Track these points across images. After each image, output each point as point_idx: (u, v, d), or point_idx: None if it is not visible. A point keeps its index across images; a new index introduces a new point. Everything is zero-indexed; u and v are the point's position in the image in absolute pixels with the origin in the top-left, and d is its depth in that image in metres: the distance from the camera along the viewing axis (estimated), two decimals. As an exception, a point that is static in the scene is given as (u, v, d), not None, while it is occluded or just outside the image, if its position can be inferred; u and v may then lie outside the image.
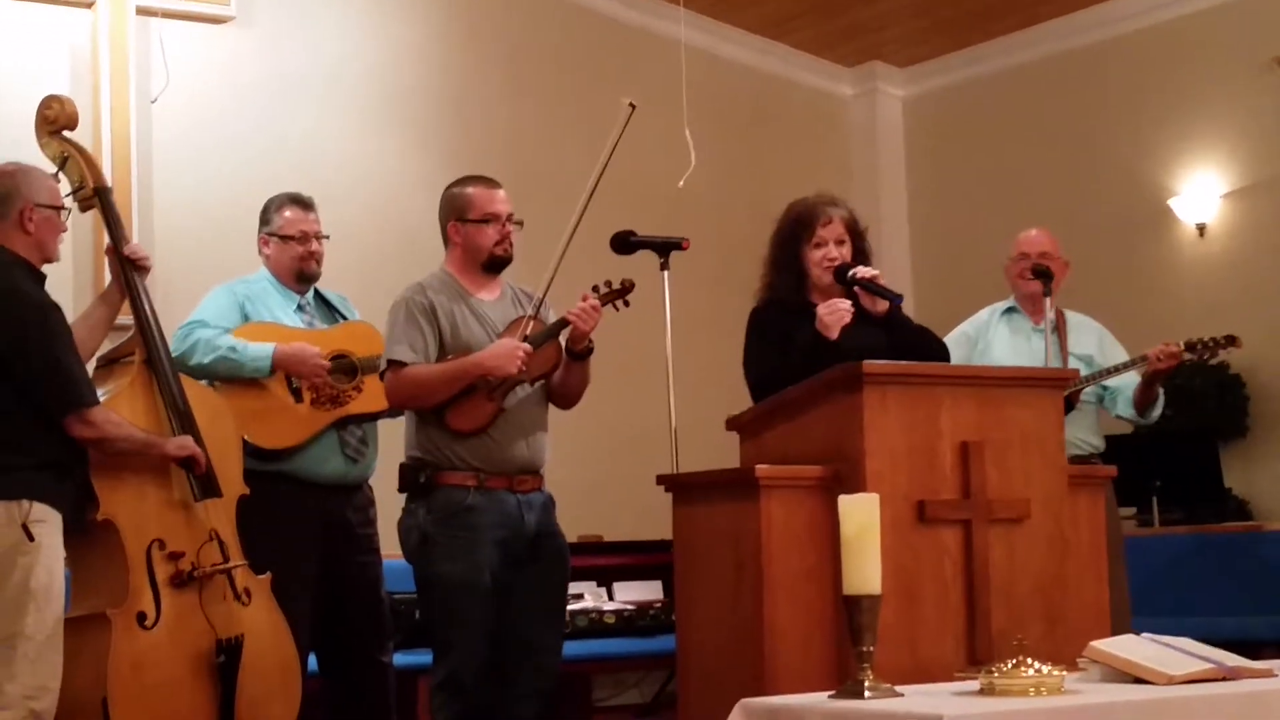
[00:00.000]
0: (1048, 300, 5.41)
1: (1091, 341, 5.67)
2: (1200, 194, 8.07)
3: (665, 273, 4.77)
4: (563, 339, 4.63)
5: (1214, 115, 8.04)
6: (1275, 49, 7.76)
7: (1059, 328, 5.64)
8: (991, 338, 5.61)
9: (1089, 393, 5.58)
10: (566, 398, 4.74)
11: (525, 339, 4.52)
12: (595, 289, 4.64)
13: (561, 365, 4.65)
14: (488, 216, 4.65)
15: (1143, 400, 5.54)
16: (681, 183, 5.60)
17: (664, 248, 4.79)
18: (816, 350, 4.27)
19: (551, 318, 4.68)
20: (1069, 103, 8.62)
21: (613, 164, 4.63)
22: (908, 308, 4.74)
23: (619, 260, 4.81)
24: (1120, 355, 5.63)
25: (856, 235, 4.57)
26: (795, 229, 4.57)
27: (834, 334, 4.34)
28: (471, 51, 7.97)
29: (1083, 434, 5.52)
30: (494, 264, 4.69)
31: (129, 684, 4.25)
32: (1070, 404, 5.42)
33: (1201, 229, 8.06)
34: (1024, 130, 8.82)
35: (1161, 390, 5.59)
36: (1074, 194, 8.38)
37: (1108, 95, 8.45)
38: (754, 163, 8.78)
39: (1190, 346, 5.41)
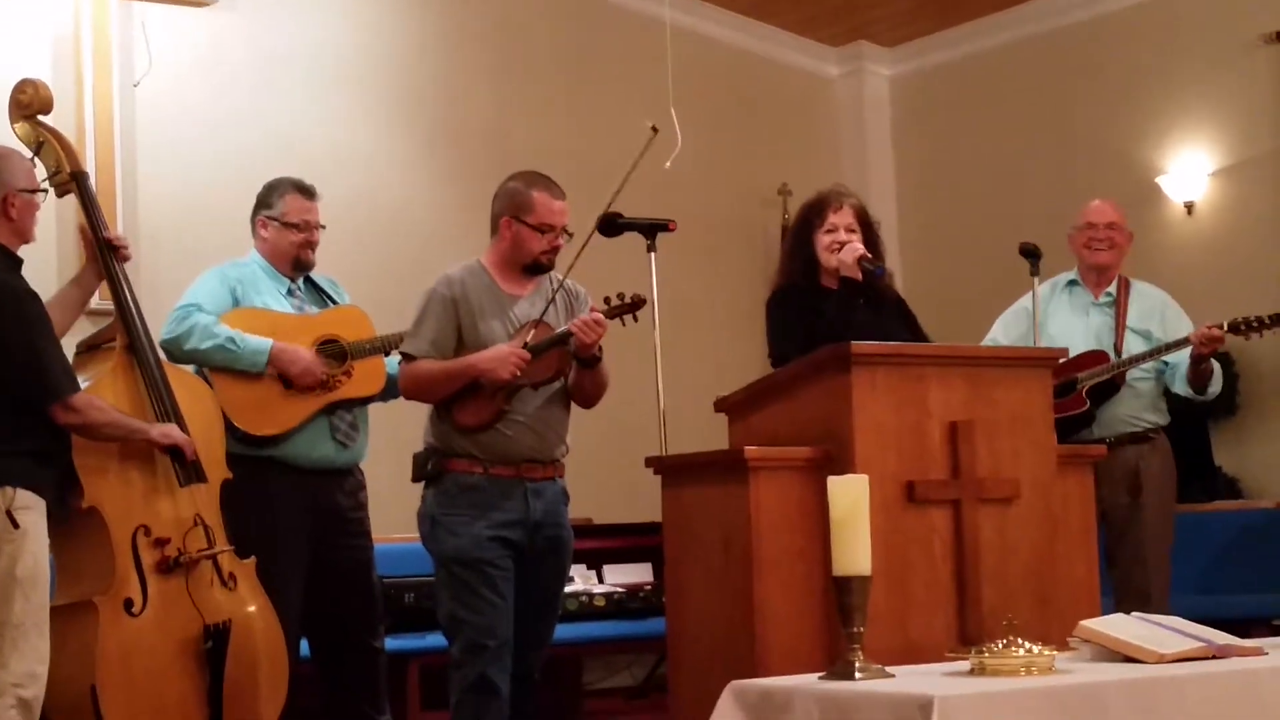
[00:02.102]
0: (1035, 280, 5.38)
1: (1154, 314, 5.62)
2: (1189, 172, 8.05)
3: (652, 254, 4.75)
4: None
5: (1202, 93, 8.02)
6: (1263, 26, 7.74)
7: (1120, 299, 5.62)
8: (1051, 310, 5.56)
9: (1150, 368, 5.53)
10: (583, 400, 4.73)
11: (525, 346, 4.50)
12: (606, 300, 4.64)
13: (572, 370, 4.64)
14: (544, 226, 4.62)
15: (1195, 378, 5.48)
16: (668, 164, 5.56)
17: (650, 229, 4.77)
18: (843, 325, 4.26)
19: (585, 305, 4.69)
20: (1056, 81, 8.59)
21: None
22: (895, 286, 4.78)
23: (606, 242, 4.79)
24: (1185, 326, 5.53)
25: (868, 226, 4.66)
26: (808, 215, 4.69)
27: (857, 274, 4.48)
28: (455, 33, 7.94)
29: (1137, 411, 5.52)
30: (535, 268, 4.68)
31: (117, 671, 4.24)
32: (1115, 385, 5.41)
33: (1190, 207, 8.04)
34: (1011, 108, 8.80)
35: (1216, 365, 5.48)
36: (1062, 172, 8.36)
37: (1096, 73, 8.43)
38: (741, 143, 8.76)
39: (1234, 327, 5.33)
